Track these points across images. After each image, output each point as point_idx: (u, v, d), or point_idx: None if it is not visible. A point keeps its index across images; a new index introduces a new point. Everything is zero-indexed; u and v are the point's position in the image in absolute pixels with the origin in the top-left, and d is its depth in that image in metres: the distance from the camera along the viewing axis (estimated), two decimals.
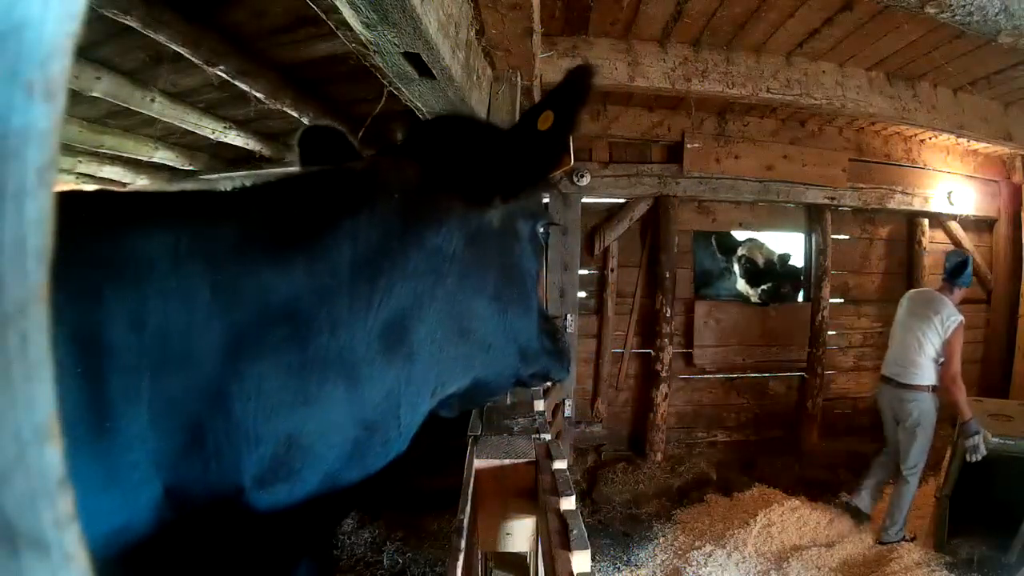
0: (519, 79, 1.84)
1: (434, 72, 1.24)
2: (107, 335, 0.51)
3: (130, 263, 0.54)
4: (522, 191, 0.77)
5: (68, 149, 3.69)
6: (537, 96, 2.19)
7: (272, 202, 0.66)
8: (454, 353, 0.74)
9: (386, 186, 0.68)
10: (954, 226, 4.19)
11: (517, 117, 1.85)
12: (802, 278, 4.19)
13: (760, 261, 3.94)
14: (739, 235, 4.11)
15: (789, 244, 4.48)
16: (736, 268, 4.05)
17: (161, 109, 2.82)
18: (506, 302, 0.79)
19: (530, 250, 0.85)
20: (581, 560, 0.66)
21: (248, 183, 0.69)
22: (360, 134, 2.40)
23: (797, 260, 4.23)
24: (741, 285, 4.05)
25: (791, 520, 2.97)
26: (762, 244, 4.06)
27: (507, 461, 0.95)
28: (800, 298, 4.19)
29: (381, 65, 1.20)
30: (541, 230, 0.87)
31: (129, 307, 0.53)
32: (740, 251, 4.03)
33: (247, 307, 0.57)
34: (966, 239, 4.23)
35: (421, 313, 0.68)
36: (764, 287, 3.90)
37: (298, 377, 0.60)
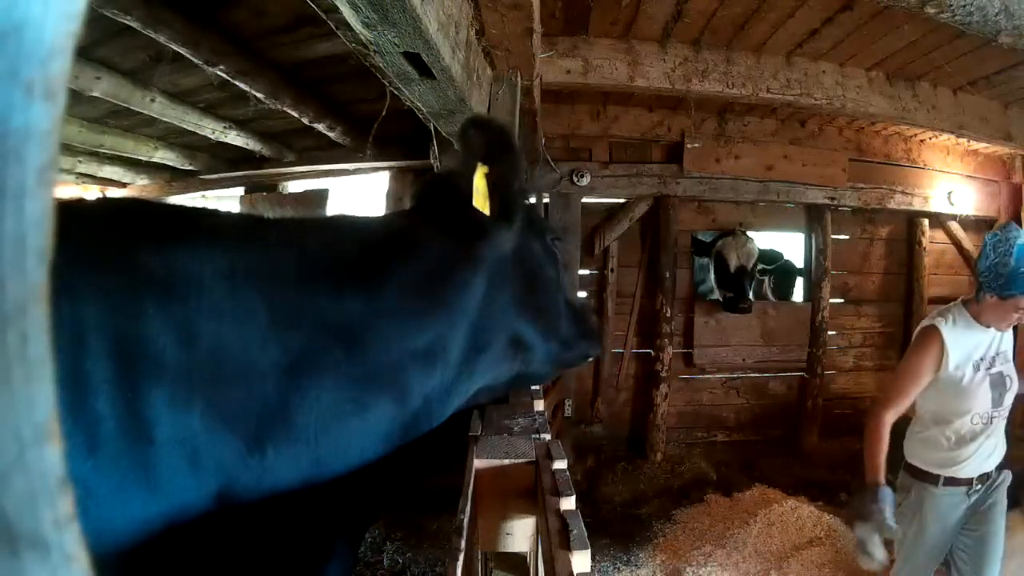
0: (519, 79, 1.84)
1: (434, 72, 1.24)
2: (151, 349, 0.54)
3: (179, 281, 0.57)
4: (505, 226, 0.85)
5: (68, 149, 3.69)
6: (538, 97, 2.19)
7: (330, 239, 0.75)
8: (480, 360, 0.85)
9: (419, 236, 0.81)
10: (954, 226, 4.19)
11: (517, 118, 1.85)
12: (797, 277, 4.16)
13: (733, 263, 3.64)
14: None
15: (786, 243, 4.47)
16: (711, 267, 3.82)
17: (161, 109, 2.82)
18: (534, 308, 0.93)
19: (547, 260, 0.99)
20: (581, 560, 0.66)
21: (301, 218, 0.81)
22: (371, 137, 2.41)
23: (797, 260, 4.21)
24: (711, 284, 3.86)
25: (791, 520, 2.97)
26: (747, 240, 3.70)
27: (507, 461, 0.95)
28: (800, 298, 4.19)
29: (381, 65, 1.20)
30: (551, 241, 1.03)
31: (177, 324, 0.56)
32: (716, 248, 3.73)
33: (306, 330, 0.64)
34: (966, 239, 4.23)
35: (453, 335, 0.78)
36: (732, 293, 3.63)
37: (355, 390, 0.68)
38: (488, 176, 0.80)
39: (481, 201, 0.80)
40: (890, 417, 1.75)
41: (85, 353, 0.50)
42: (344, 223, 0.82)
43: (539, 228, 1.01)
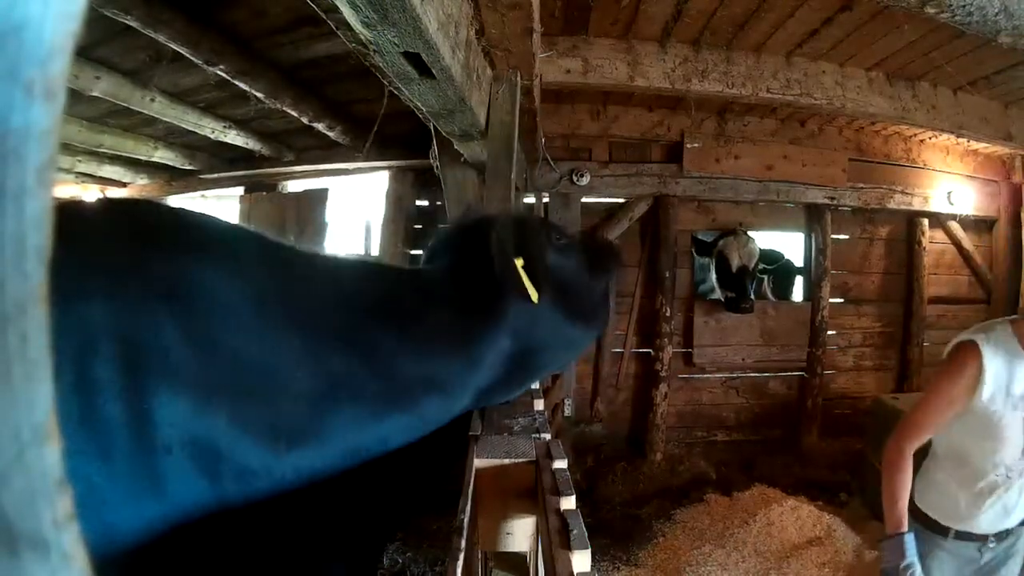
0: (519, 79, 1.84)
1: (434, 72, 1.24)
2: (167, 358, 0.53)
3: (202, 296, 0.57)
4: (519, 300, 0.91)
5: (68, 149, 3.69)
6: (538, 96, 2.19)
7: (365, 278, 0.83)
8: (540, 369, 0.97)
9: (440, 285, 0.89)
10: (954, 226, 4.19)
11: (517, 118, 1.85)
12: (797, 277, 4.16)
13: (735, 263, 3.63)
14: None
15: (786, 243, 4.47)
16: (712, 266, 3.79)
17: (161, 109, 2.82)
18: (576, 311, 1.01)
19: (566, 263, 1.05)
20: (581, 560, 0.66)
21: (336, 255, 0.89)
22: (369, 140, 2.41)
23: (797, 260, 4.21)
24: (712, 284, 3.84)
25: (791, 520, 2.97)
26: (748, 240, 3.68)
27: (507, 461, 0.95)
28: (800, 298, 4.19)
29: (381, 65, 1.20)
30: (563, 243, 1.10)
31: (196, 335, 0.55)
32: (717, 247, 3.70)
33: (337, 356, 0.69)
34: (966, 239, 4.24)
35: (480, 365, 0.86)
36: (734, 292, 3.62)
37: (383, 405, 0.74)
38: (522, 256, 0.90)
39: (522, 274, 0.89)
40: (912, 449, 1.48)
41: (97, 358, 0.49)
42: (377, 266, 0.92)
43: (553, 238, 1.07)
